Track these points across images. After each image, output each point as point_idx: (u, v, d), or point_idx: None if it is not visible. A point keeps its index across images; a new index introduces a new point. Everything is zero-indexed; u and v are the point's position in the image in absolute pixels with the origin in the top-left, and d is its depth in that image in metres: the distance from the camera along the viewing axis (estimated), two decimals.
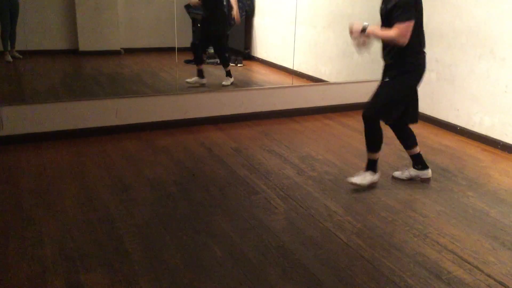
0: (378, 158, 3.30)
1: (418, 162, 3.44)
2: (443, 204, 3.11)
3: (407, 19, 2.89)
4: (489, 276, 2.35)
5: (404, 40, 2.92)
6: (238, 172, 3.51)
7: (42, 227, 2.65)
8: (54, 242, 2.50)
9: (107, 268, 2.30)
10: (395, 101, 3.22)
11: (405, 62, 3.10)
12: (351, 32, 3.05)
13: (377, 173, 3.34)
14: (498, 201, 3.19)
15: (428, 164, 3.45)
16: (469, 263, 2.45)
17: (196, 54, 5.43)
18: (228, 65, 5.54)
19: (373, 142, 3.25)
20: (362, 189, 3.28)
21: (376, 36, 3.03)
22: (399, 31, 2.90)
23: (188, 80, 5.20)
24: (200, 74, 5.29)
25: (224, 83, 5.39)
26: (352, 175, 3.50)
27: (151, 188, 3.21)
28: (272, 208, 2.98)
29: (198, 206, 2.97)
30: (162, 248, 2.49)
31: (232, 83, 5.43)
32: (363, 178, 3.30)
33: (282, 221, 2.82)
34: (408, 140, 3.40)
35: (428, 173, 3.45)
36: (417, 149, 3.41)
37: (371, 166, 3.31)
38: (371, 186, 3.31)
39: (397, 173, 3.52)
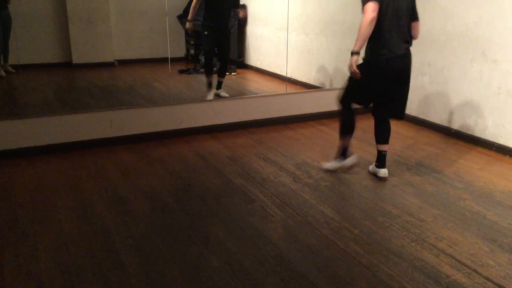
0: (346, 146, 3.58)
1: (378, 159, 3.59)
2: (439, 208, 3.11)
3: (363, 3, 3.12)
4: (487, 279, 2.34)
5: (366, 17, 3.07)
6: (233, 181, 3.50)
7: (38, 242, 2.63)
8: (50, 257, 2.48)
9: (104, 281, 2.28)
10: (351, 86, 3.41)
11: (365, 53, 3.32)
12: (351, 68, 3.23)
13: (346, 159, 3.60)
14: (495, 203, 3.20)
15: (381, 163, 3.56)
16: (467, 266, 2.45)
17: (211, 64, 5.43)
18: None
19: (342, 126, 3.55)
20: (358, 195, 3.28)
21: (360, 40, 3.15)
22: (364, 10, 3.12)
23: (209, 98, 5.21)
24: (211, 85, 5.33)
25: (225, 94, 5.38)
26: (348, 181, 3.52)
27: (146, 199, 3.19)
28: (269, 217, 2.97)
29: (194, 217, 2.96)
30: (158, 260, 2.47)
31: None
32: (329, 163, 3.71)
33: (279, 229, 2.81)
34: (379, 136, 3.54)
35: (382, 171, 3.56)
36: (384, 148, 3.55)
37: (339, 152, 3.62)
38: (370, 191, 3.32)
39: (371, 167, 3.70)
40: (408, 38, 3.27)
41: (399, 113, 3.48)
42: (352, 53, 3.16)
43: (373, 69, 3.27)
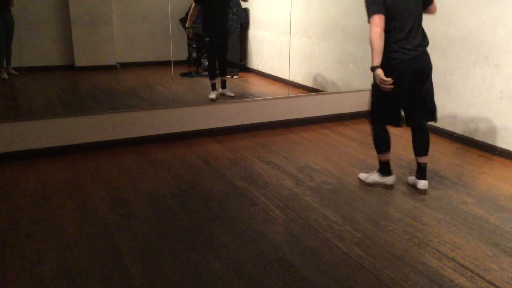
0: (387, 161, 3.41)
1: (418, 171, 3.41)
2: (442, 212, 3.11)
3: (369, 16, 3.03)
4: (491, 283, 2.34)
5: (374, 32, 2.99)
6: (236, 184, 3.51)
7: (41, 244, 2.63)
8: (52, 259, 2.48)
9: (107, 284, 2.28)
10: (376, 104, 3.31)
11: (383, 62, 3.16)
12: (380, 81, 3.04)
13: (389, 177, 3.44)
14: (497, 207, 3.19)
15: (421, 174, 3.41)
16: (470, 270, 2.44)
17: (214, 68, 5.51)
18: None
19: (376, 144, 3.41)
20: (360, 198, 3.28)
21: (375, 55, 3.03)
22: (369, 22, 3.04)
23: (212, 96, 5.30)
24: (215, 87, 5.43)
25: (230, 93, 5.44)
26: (350, 184, 3.52)
27: (149, 202, 3.19)
28: (271, 220, 2.97)
29: (197, 219, 2.96)
30: (161, 262, 2.47)
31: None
32: (368, 176, 3.51)
33: (282, 232, 2.81)
34: (417, 146, 3.38)
35: (422, 183, 3.39)
36: (424, 160, 3.37)
37: (381, 167, 3.44)
38: (373, 195, 3.32)
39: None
40: (422, 36, 3.14)
41: (431, 114, 3.30)
42: (372, 69, 3.02)
43: (388, 75, 3.08)
